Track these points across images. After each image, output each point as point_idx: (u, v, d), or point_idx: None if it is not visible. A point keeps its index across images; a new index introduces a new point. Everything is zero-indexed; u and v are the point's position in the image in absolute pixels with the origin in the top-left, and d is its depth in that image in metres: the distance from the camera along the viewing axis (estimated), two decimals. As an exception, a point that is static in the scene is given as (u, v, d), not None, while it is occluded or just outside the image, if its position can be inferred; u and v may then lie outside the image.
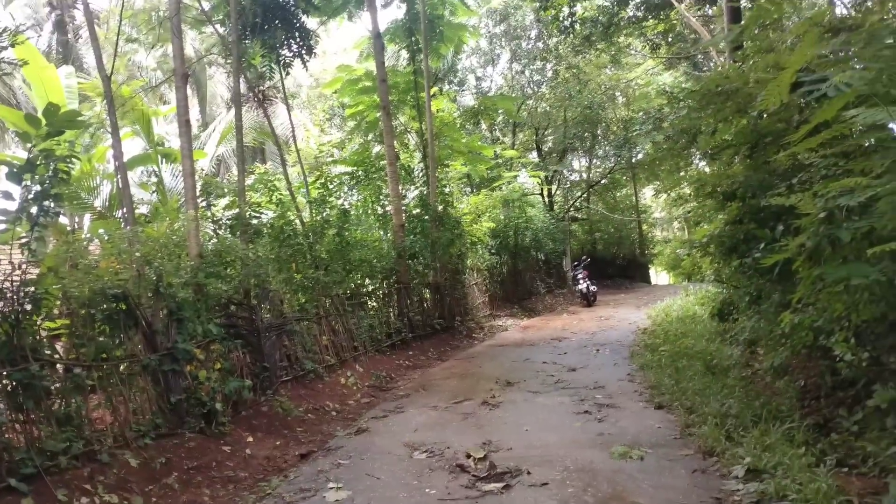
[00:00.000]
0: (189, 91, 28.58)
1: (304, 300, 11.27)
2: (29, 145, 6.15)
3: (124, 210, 10.32)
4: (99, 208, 15.68)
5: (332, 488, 6.02)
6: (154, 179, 15.45)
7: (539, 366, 11.94)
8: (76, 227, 15.20)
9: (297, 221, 12.23)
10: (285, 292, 10.83)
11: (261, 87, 26.12)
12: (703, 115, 8.97)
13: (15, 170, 5.99)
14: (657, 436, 7.09)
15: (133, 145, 18.97)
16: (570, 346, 14.27)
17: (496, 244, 21.81)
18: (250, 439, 8.18)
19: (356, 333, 12.18)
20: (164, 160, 16.10)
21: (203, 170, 12.83)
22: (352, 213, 13.24)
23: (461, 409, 8.95)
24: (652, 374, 10.16)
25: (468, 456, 6.54)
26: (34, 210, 6.16)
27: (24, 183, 6.03)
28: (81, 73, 16.52)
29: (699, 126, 9.73)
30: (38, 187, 6.15)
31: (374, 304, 13.33)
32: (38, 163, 6.19)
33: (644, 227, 41.72)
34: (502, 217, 22.24)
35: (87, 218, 16.90)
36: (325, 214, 12.30)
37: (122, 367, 7.28)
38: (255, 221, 10.48)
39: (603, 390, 9.51)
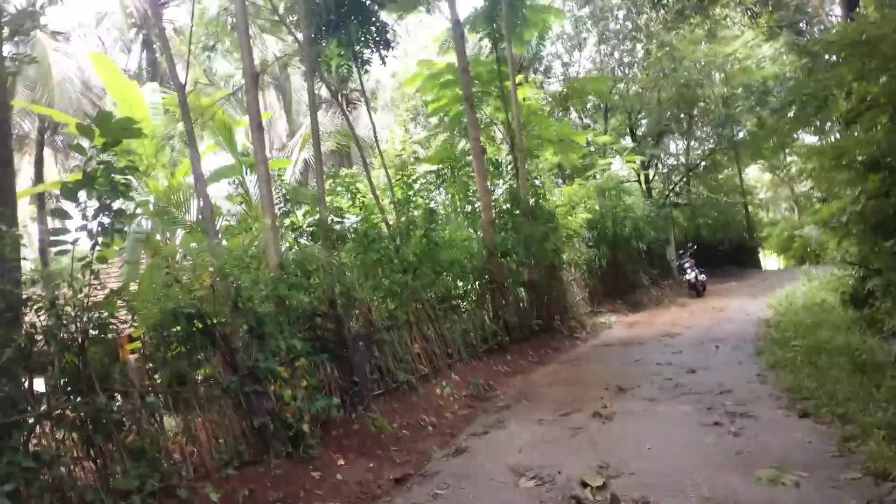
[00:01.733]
0: (275, 99, 28.81)
1: (392, 307, 10.60)
2: (85, 158, 5.68)
3: (206, 223, 9.97)
4: (191, 223, 15.64)
5: (428, 527, 5.24)
6: (240, 191, 15.22)
7: (652, 367, 10.82)
8: (167, 242, 15.15)
9: (383, 225, 11.59)
10: (372, 300, 10.19)
11: (343, 91, 25.97)
12: (838, 72, 7.67)
13: (71, 186, 5.51)
14: (809, 453, 5.94)
15: (219, 157, 19.02)
16: (684, 343, 13.02)
17: (593, 236, 20.60)
18: (341, 462, 7.54)
19: (450, 339, 11.42)
20: (249, 170, 15.88)
21: (281, 177, 12.38)
22: (438, 212, 12.50)
23: (570, 422, 8.02)
24: (787, 374, 8.89)
25: (584, 485, 5.62)
26: (94, 227, 5.66)
27: (81, 200, 5.55)
28: (167, 89, 16.54)
29: (831, 88, 8.40)
30: (96, 203, 5.65)
31: (467, 306, 12.53)
32: (97, 176, 5.71)
33: (750, 209, 39.15)
34: (598, 207, 21.00)
35: (179, 234, 16.99)
36: (409, 215, 11.61)
37: (200, 392, 6.80)
38: (337, 227, 9.89)
39: (731, 395, 8.34)
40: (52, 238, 5.56)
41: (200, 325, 6.95)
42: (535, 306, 14.99)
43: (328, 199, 11.27)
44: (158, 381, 6.42)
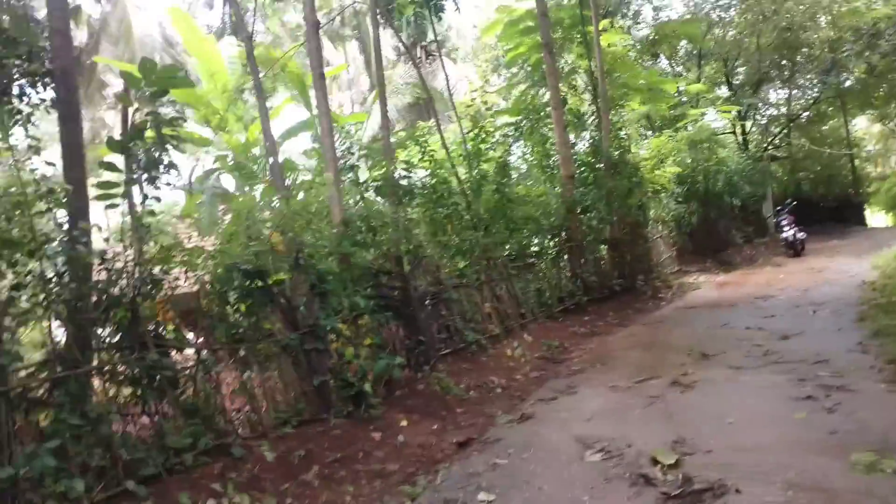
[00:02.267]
0: (357, 52, 28.59)
1: (462, 265, 10.25)
2: (132, 109, 5.50)
3: (274, 177, 9.85)
4: (269, 178, 15.70)
5: (482, 501, 4.91)
6: (317, 146, 15.07)
7: (741, 332, 10.07)
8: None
9: (454, 180, 11.17)
10: (441, 257, 9.86)
11: (421, 43, 25.46)
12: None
13: (118, 140, 5.35)
14: (917, 436, 5.24)
15: (300, 111, 18.99)
16: (777, 306, 12.10)
17: (683, 191, 19.54)
18: (404, 423, 7.32)
19: (523, 299, 11.01)
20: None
21: (357, 131, 12.10)
22: (514, 166, 11.94)
23: (646, 390, 7.49)
24: (893, 344, 8.01)
25: (655, 462, 5.14)
26: (143, 181, 5.51)
27: (128, 153, 5.39)
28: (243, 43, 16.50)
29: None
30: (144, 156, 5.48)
31: (543, 265, 12.03)
32: (145, 127, 5.53)
33: (856, 162, 36.33)
34: (689, 161, 19.83)
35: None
36: (481, 169, 11.13)
37: (258, 349, 6.67)
38: (404, 182, 9.55)
39: (827, 366, 7.57)
40: (99, 192, 5.41)
41: (260, 283, 6.79)
42: (617, 265, 14.33)
43: (399, 153, 10.92)
44: (215, 338, 6.31)
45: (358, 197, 9.05)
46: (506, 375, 9.27)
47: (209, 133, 15.64)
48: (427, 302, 9.05)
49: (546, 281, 11.86)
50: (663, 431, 5.92)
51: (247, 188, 16.41)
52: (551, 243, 12.86)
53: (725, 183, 20.99)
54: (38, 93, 8.45)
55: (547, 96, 14.64)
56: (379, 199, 9.62)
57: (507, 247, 11.26)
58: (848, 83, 30.85)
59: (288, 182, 12.87)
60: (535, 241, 12.38)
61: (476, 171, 10.95)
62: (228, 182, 17.12)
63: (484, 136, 11.63)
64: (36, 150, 5.23)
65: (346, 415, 6.99)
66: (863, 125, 44.07)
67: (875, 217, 43.32)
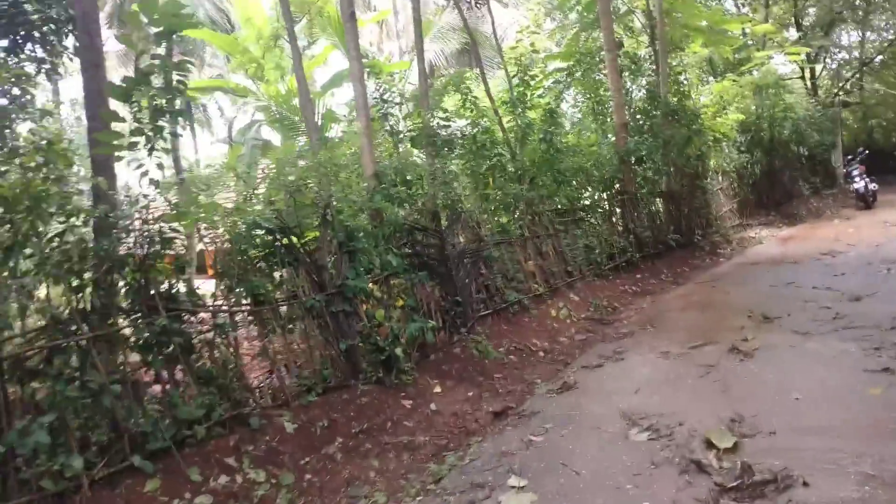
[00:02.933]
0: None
1: (505, 220, 9.66)
2: (137, 54, 5.03)
3: (308, 127, 9.38)
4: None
5: (512, 487, 4.44)
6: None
7: (807, 293, 9.27)
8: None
9: (498, 129, 10.50)
10: (482, 212, 9.29)
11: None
12: None
13: (122, 85, 4.91)
14: None
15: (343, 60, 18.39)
16: (847, 263, 11.18)
17: (746, 140, 18.35)
18: (437, 390, 6.91)
19: (570, 256, 10.37)
20: (369, 74, 15.14)
21: (402, 80, 11.46)
22: (562, 113, 11.14)
23: (700, 357, 6.87)
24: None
25: (709, 445, 4.58)
26: (150, 131, 5.06)
27: (133, 100, 4.95)
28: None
29: None
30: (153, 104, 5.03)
31: (593, 220, 11.33)
32: (152, 72, 5.07)
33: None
34: (753, 108, 18.57)
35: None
36: (524, 118, 10.40)
37: (280, 312, 6.28)
38: (443, 132, 8.94)
39: (907, 332, 6.81)
40: (100, 143, 5.00)
41: (285, 241, 6.37)
42: (673, 219, 13.51)
43: (442, 100, 10.28)
44: (233, 300, 5.92)
45: (392, 148, 8.48)
46: (549, 338, 8.76)
47: (249, 83, 15.22)
48: (466, 260, 8.52)
49: (596, 237, 11.17)
50: (719, 407, 5.33)
51: (289, 140, 16.06)
52: (603, 196, 12.12)
53: (792, 131, 19.67)
54: (59, 40, 8.12)
55: (601, 39, 13.65)
56: (415, 150, 9.04)
57: (554, 200, 10.59)
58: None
59: (329, 134, 12.40)
60: (586, 194, 11.65)
61: (521, 119, 10.23)
62: (272, 134, 16.80)
63: (530, 81, 10.85)
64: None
65: (375, 381, 6.59)
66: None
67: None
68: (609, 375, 6.70)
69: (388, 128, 8.60)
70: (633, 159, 12.34)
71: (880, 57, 30.58)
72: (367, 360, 6.79)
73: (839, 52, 31.43)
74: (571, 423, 5.48)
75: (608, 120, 13.13)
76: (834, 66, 31.44)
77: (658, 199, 13.30)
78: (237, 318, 5.90)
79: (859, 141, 27.95)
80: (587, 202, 11.44)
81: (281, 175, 6.85)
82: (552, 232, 10.31)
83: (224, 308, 5.84)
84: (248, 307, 6.08)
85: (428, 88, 8.69)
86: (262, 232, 6.19)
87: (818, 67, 28.72)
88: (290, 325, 6.38)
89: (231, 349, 5.76)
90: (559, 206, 10.71)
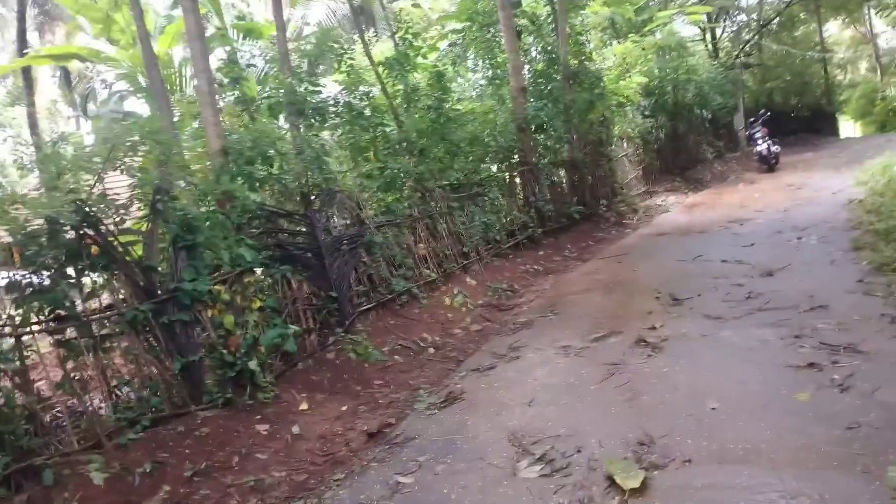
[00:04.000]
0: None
1: (391, 199, 8.57)
2: None
3: (156, 96, 7.95)
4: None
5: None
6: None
7: (717, 267, 8.64)
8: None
9: (382, 97, 9.33)
10: (363, 191, 8.17)
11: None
12: None
13: None
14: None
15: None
16: (756, 231, 10.69)
17: (650, 104, 17.80)
18: (304, 407, 5.83)
19: (466, 236, 9.40)
20: (241, 36, 13.61)
21: (273, 44, 10.01)
22: (451, 77, 10.04)
23: (604, 352, 6.03)
24: (903, 280, 6.63)
25: (611, 481, 3.68)
26: None
27: None
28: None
29: None
30: None
31: (491, 194, 10.37)
32: None
33: (828, 69, 34.65)
34: (657, 71, 18.01)
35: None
36: (410, 81, 9.25)
37: (89, 329, 5.00)
38: (312, 99, 7.70)
39: (826, 313, 6.16)
40: None
41: (94, 237, 5.07)
42: (577, 190, 12.75)
43: (313, 63, 9.01)
44: (20, 318, 4.62)
45: (247, 120, 7.20)
46: (441, 331, 7.79)
47: (109, 47, 13.40)
48: (343, 247, 7.40)
49: (494, 213, 10.23)
50: (625, 423, 4.47)
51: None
52: (501, 168, 11.18)
53: (695, 94, 19.31)
54: None
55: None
56: (279, 122, 7.77)
57: (447, 174, 9.57)
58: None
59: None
60: (483, 166, 10.66)
61: (402, 81, 9.06)
62: (142, 106, 15.01)
63: (412, 39, 9.61)
64: None
65: (223, 403, 5.44)
66: (833, 31, 42.34)
67: (846, 126, 42.16)
68: (501, 381, 5.76)
69: (236, 94, 7.25)
70: (532, 127, 11.43)
71: (777, 19, 30.89)
72: (214, 378, 5.64)
73: (738, 13, 31.57)
74: (451, 453, 4.49)
75: (505, 85, 12.15)
76: (734, 28, 31.58)
77: (560, 169, 12.48)
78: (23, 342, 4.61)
79: (760, 103, 28.15)
80: (484, 175, 10.44)
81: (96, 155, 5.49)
82: (445, 210, 9.30)
83: (6, 330, 4.54)
84: (44, 325, 4.79)
85: (287, 49, 7.39)
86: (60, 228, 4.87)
87: (718, 30, 28.68)
88: (107, 344, 5.12)
89: (15, 382, 4.47)
90: (453, 181, 9.69)
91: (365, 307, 7.49)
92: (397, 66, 8.63)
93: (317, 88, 7.77)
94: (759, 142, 19.04)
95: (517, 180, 11.29)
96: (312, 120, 7.69)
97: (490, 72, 12.71)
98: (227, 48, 11.90)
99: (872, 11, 36.25)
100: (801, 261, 8.31)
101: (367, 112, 8.51)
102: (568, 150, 12.56)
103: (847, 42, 45.09)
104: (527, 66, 12.94)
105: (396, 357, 7.00)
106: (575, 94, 12.45)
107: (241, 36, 13.69)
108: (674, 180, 18.06)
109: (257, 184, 6.63)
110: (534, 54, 13.43)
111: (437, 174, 9.35)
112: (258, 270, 6.30)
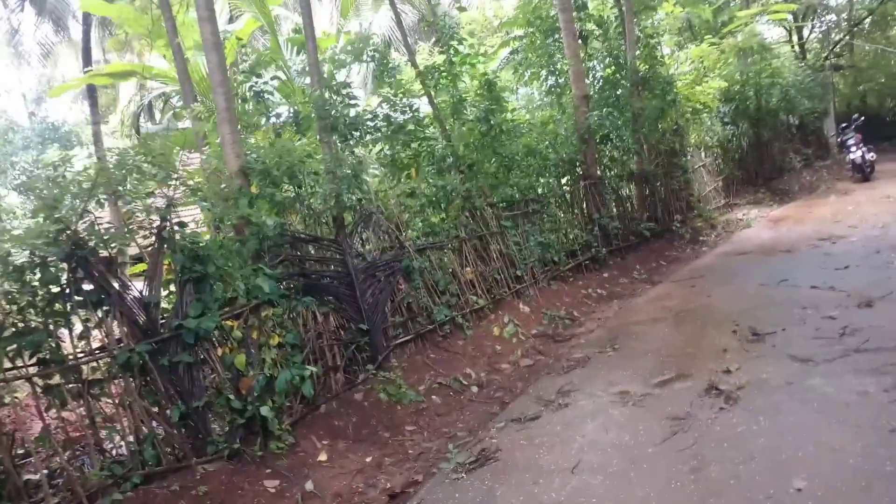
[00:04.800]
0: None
1: (436, 220, 7.89)
2: None
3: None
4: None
5: None
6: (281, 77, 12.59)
7: (805, 294, 7.56)
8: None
9: (430, 110, 8.69)
10: (404, 211, 7.52)
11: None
12: None
13: None
14: None
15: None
16: (850, 251, 9.46)
17: (730, 110, 16.55)
18: (322, 458, 5.19)
19: (519, 258, 8.61)
20: (295, 51, 13.25)
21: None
22: (505, 86, 9.24)
23: (668, 400, 5.15)
24: None
25: None
26: None
27: None
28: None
29: None
30: None
31: (549, 211, 9.54)
32: None
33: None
34: (738, 75, 16.72)
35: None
36: (455, 92, 8.55)
37: (77, 374, 4.50)
38: (351, 112, 7.11)
39: (941, 359, 5.10)
40: None
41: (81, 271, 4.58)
42: (647, 204, 11.77)
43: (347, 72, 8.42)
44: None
45: (263, 135, 6.65)
46: (487, 366, 7.04)
47: (162, 62, 13.30)
48: (378, 274, 6.77)
49: (553, 231, 9.41)
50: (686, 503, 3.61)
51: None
52: (561, 182, 10.32)
53: (780, 98, 17.86)
54: None
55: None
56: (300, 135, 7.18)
57: (500, 191, 8.82)
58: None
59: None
60: (541, 181, 9.84)
61: (445, 90, 8.35)
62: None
63: (458, 44, 8.78)
64: None
65: (230, 455, 4.85)
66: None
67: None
68: (544, 436, 4.96)
69: (261, 108, 6.70)
70: (597, 138, 10.55)
71: (869, 17, 28.78)
72: (223, 426, 5.07)
73: (827, 13, 29.58)
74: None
75: (567, 93, 11.31)
76: (823, 28, 29.61)
77: (629, 183, 11.52)
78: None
79: (852, 107, 26.15)
80: (542, 191, 9.62)
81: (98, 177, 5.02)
82: (496, 230, 8.54)
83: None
84: (24, 371, 4.31)
85: (317, 58, 6.77)
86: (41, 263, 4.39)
87: (806, 31, 26.91)
88: (97, 390, 4.62)
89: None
90: (510, 198, 8.93)
91: (401, 340, 6.82)
92: (436, 75, 7.91)
93: (352, 101, 7.17)
94: (853, 149, 17.43)
95: (580, 196, 10.39)
96: (347, 135, 7.08)
97: (551, 79, 11.86)
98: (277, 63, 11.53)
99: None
100: (907, 288, 7.14)
101: (409, 125, 7.86)
102: (637, 162, 11.59)
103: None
104: (593, 74, 12.07)
105: (434, 397, 6.29)
106: (644, 101, 11.49)
107: (295, 50, 13.33)
108: (757, 191, 16.72)
109: (281, 207, 6.06)
110: (600, 60, 12.52)
111: (487, 191, 8.61)
112: (279, 302, 5.71)
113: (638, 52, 11.86)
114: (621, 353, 6.67)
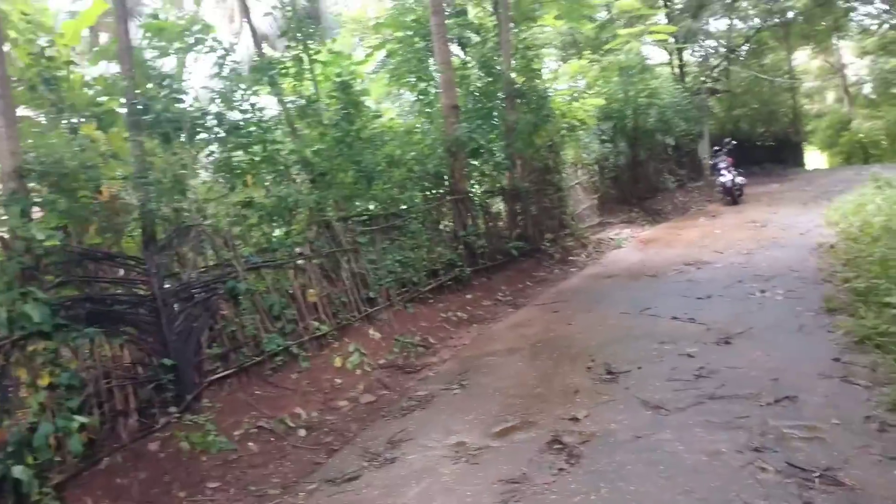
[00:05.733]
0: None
1: (280, 234, 7.03)
2: None
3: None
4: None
5: None
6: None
7: (665, 326, 7.23)
8: None
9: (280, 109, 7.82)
10: (237, 223, 6.61)
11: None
12: None
13: None
14: None
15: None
16: (714, 279, 9.31)
17: (609, 128, 16.50)
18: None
19: (374, 278, 7.88)
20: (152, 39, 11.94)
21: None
22: (363, 90, 8.47)
23: (505, 458, 4.54)
24: (889, 364, 5.24)
25: None
26: None
27: None
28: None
29: None
30: None
31: (411, 228, 8.86)
32: None
33: (795, 98, 34.06)
34: (620, 93, 16.68)
35: None
36: (307, 91, 7.73)
37: None
38: (170, 107, 6.13)
39: (795, 409, 4.74)
40: None
41: None
42: (518, 223, 11.30)
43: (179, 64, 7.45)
44: None
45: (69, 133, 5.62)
46: (322, 404, 6.24)
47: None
48: (196, 296, 5.84)
49: (414, 249, 8.74)
50: None
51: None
52: (427, 196, 9.65)
53: (658, 118, 18.05)
54: None
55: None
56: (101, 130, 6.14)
57: (354, 204, 8.08)
58: (791, 13, 28.44)
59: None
60: (405, 195, 9.13)
61: (299, 93, 7.52)
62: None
63: (308, 40, 7.87)
64: None
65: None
66: (802, 60, 42.03)
67: (812, 157, 41.72)
68: (359, 502, 4.22)
69: (55, 98, 5.61)
70: (467, 150, 9.98)
71: (746, 46, 30.16)
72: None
73: (706, 40, 30.76)
74: None
75: (437, 102, 10.70)
76: (702, 53, 30.75)
77: (499, 200, 11.04)
78: None
79: (726, 131, 27.20)
80: (404, 205, 8.92)
81: None
82: (350, 246, 7.77)
83: None
84: None
85: (130, 44, 5.76)
86: None
87: (686, 54, 27.76)
88: None
89: None
90: (363, 212, 8.20)
91: (220, 375, 5.91)
92: (262, 73, 7.01)
93: (178, 95, 6.21)
94: (724, 172, 17.86)
95: (446, 211, 9.78)
96: (171, 134, 6.12)
97: (421, 86, 11.22)
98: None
99: (841, 42, 36.03)
100: (765, 324, 6.91)
101: (252, 126, 6.96)
102: (508, 178, 11.13)
103: (815, 72, 44.96)
104: (467, 85, 11.52)
105: (250, 444, 5.43)
106: (519, 114, 11.05)
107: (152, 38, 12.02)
108: (631, 210, 16.75)
109: (71, 217, 5.04)
110: (478, 69, 12.00)
111: (341, 203, 7.83)
112: (54, 334, 4.69)
113: (514, 64, 11.42)
114: (468, 391, 6.05)
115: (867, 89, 30.48)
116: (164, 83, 6.29)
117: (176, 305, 5.64)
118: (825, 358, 5.66)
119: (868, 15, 28.82)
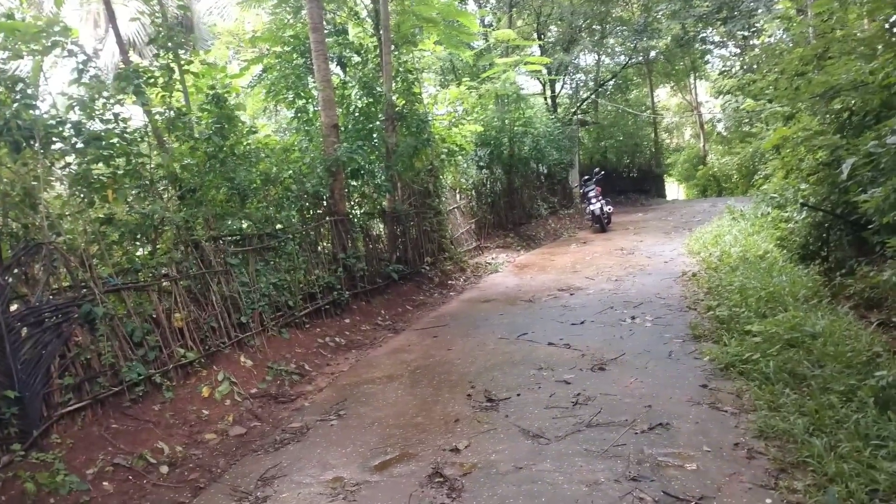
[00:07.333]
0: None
1: (144, 254, 6.54)
2: None
3: None
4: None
5: None
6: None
7: (542, 352, 7.35)
8: None
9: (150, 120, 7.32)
10: (93, 242, 6.08)
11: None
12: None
13: None
14: None
15: None
16: (587, 304, 9.62)
17: (485, 154, 16.84)
18: None
19: (247, 301, 7.49)
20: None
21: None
22: (237, 104, 8.09)
23: (384, 495, 4.36)
24: (754, 392, 5.52)
25: None
26: None
27: None
28: None
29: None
30: None
31: (288, 249, 8.53)
32: None
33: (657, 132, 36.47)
34: (496, 121, 17.08)
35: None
36: (178, 103, 7.30)
37: None
38: (29, 115, 5.58)
39: (668, 437, 4.88)
40: None
41: None
42: (398, 246, 11.20)
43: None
44: None
45: None
46: (188, 437, 5.81)
47: None
48: (46, 322, 5.28)
49: (291, 272, 8.41)
50: None
51: None
52: (306, 216, 9.34)
53: (532, 147, 18.63)
54: None
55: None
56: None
57: (226, 223, 7.67)
58: (654, 52, 30.47)
59: None
60: (281, 214, 8.79)
61: (167, 104, 7.08)
62: None
63: (175, 48, 7.41)
64: None
65: None
66: (663, 97, 45.03)
67: (671, 188, 44.61)
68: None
69: None
70: (347, 171, 9.77)
71: (612, 80, 31.90)
72: None
73: (576, 74, 32.29)
74: None
75: (316, 120, 10.46)
76: (573, 86, 32.20)
77: (379, 222, 10.90)
78: None
79: (594, 161, 28.58)
80: (281, 225, 8.59)
81: None
82: (221, 268, 7.35)
83: None
84: None
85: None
86: None
87: (558, 85, 28.95)
88: None
89: None
90: (238, 232, 7.81)
91: (72, 407, 5.36)
92: (129, 81, 6.55)
93: (29, 101, 5.66)
94: (593, 200, 18.69)
95: (325, 232, 9.52)
96: (21, 143, 5.55)
97: (299, 103, 10.94)
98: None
99: (697, 81, 38.95)
100: (636, 350, 7.16)
101: (114, 138, 6.45)
102: (389, 200, 11.03)
103: (675, 108, 48.28)
104: (347, 104, 11.35)
105: (105, 484, 4.94)
106: (399, 137, 11.00)
107: (4, 39, 11.00)
108: (507, 235, 17.13)
109: None
110: (358, 90, 11.85)
111: (212, 221, 7.41)
112: None
113: (395, 86, 11.38)
114: (346, 421, 5.83)
115: (720, 127, 32.97)
116: (17, 87, 5.71)
117: (23, 331, 5.08)
118: (694, 384, 5.91)
119: (721, 57, 31.24)
